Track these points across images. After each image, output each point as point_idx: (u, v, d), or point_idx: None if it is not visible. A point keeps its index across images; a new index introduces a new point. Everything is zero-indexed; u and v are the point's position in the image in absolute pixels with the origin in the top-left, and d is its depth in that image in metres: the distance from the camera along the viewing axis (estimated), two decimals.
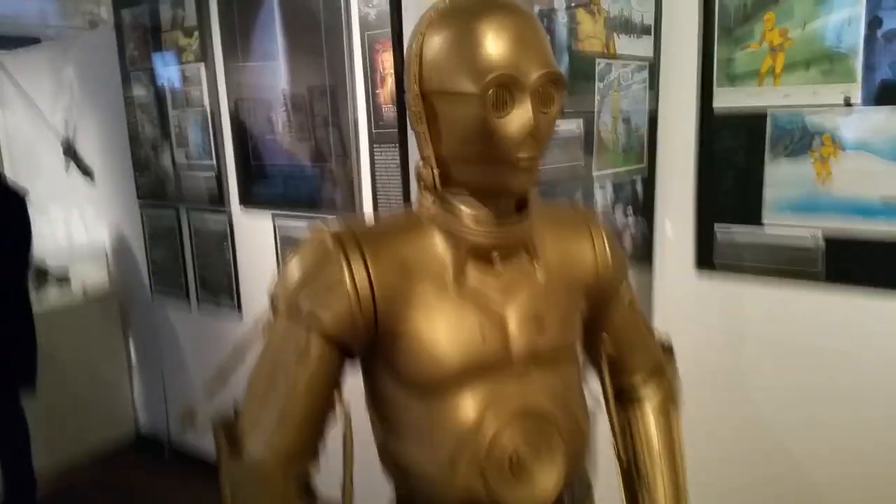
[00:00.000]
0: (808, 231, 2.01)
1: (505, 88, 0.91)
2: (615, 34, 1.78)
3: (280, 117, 2.88)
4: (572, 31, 1.62)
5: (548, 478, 1.03)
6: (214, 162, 3.25)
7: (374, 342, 1.00)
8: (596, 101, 1.75)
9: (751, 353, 2.14)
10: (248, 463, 0.95)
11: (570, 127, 1.69)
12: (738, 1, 2.02)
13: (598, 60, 1.73)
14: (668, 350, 1.36)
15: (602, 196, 1.85)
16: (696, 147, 2.15)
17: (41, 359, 3.08)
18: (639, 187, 2.02)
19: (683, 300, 2.24)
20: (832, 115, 1.95)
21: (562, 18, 1.59)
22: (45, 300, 3.71)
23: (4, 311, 2.99)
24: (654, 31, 1.98)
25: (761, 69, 2.03)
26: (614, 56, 1.80)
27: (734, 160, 2.11)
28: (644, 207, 2.07)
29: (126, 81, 3.51)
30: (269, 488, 0.95)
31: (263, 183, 3.03)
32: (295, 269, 1.00)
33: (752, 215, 2.09)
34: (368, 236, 1.00)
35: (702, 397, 2.24)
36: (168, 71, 3.29)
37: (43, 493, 3.22)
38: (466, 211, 1.00)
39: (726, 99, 2.10)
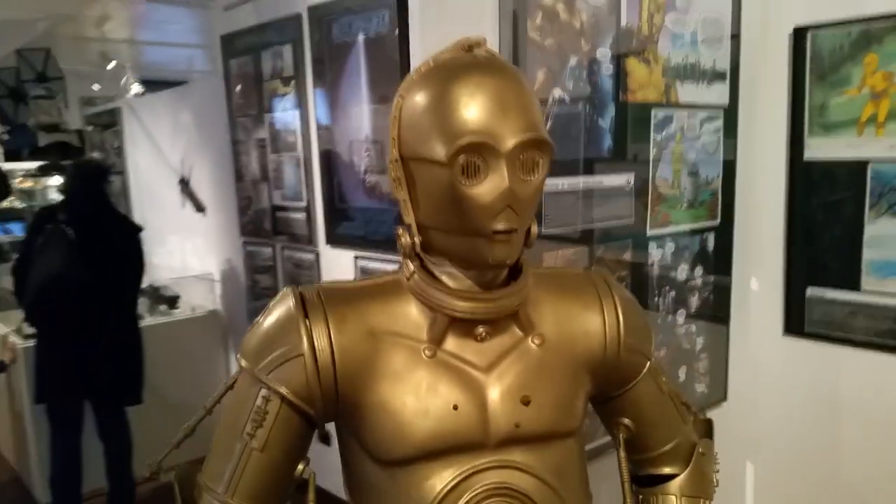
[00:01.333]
0: None
1: (478, 155, 0.84)
2: (678, 81, 1.65)
3: (363, 161, 2.94)
4: (621, 82, 1.51)
5: None
6: (305, 203, 3.37)
7: (338, 412, 0.96)
8: (652, 153, 1.62)
9: (842, 426, 1.89)
10: None
11: (617, 182, 1.57)
12: (834, 42, 1.83)
13: (654, 111, 1.60)
14: (705, 429, 1.20)
15: (660, 255, 1.71)
16: (785, 201, 1.96)
17: (150, 369, 3.31)
18: (710, 244, 1.85)
19: (768, 365, 2.02)
20: None
21: (606, 70, 1.49)
22: (157, 317, 3.98)
23: (116, 329, 3.23)
24: (731, 77, 1.82)
25: (861, 117, 1.82)
26: (676, 105, 1.67)
27: (830, 217, 1.90)
28: (717, 265, 1.89)
29: (233, 126, 3.73)
30: None
31: (347, 224, 3.09)
32: (259, 330, 0.98)
33: (850, 279, 1.86)
34: (337, 300, 0.96)
35: (784, 470, 2.01)
36: (268, 117, 3.47)
37: (142, 497, 3.41)
38: (448, 282, 0.94)
39: (820, 150, 1.89)
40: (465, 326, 0.94)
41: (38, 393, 3.13)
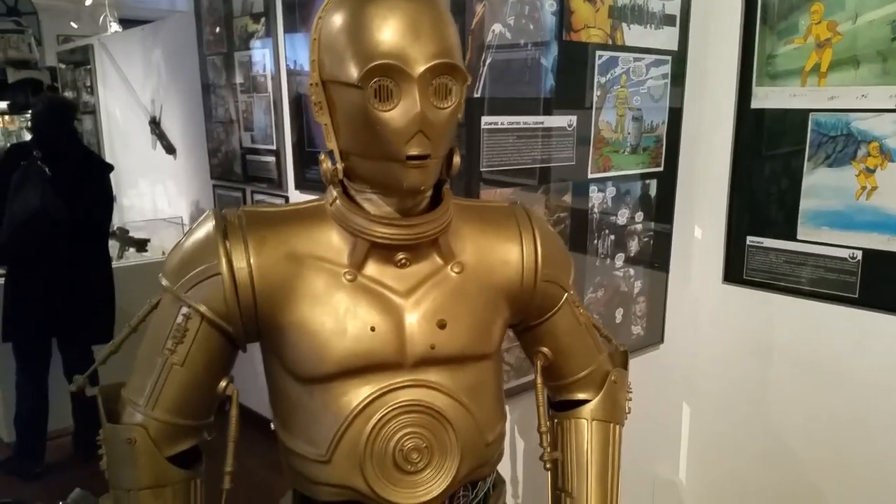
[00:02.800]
0: (845, 250, 1.81)
1: (389, 79, 0.86)
2: (624, 24, 1.65)
3: None
4: (565, 20, 1.51)
5: (435, 478, 0.98)
6: (275, 146, 3.36)
7: (260, 332, 0.99)
8: (595, 97, 1.64)
9: (775, 371, 1.97)
10: (122, 429, 0.98)
11: (559, 123, 1.59)
12: None
13: (598, 52, 1.61)
14: (622, 360, 1.26)
15: (600, 199, 1.74)
16: (731, 150, 1.99)
17: (118, 311, 3.33)
18: (653, 190, 1.89)
19: (705, 311, 2.08)
20: (882, 122, 1.74)
21: (549, 5, 1.49)
22: (126, 260, 4.00)
23: (87, 267, 3.25)
24: (681, 22, 1.83)
25: (805, 67, 1.85)
26: (623, 47, 1.68)
27: (772, 166, 1.94)
28: (659, 211, 1.93)
29: (203, 65, 3.68)
30: (139, 453, 0.97)
31: (315, 169, 3.09)
32: (179, 250, 1.01)
33: (787, 228, 1.91)
34: (258, 223, 0.99)
35: (720, 411, 2.10)
36: (238, 56, 3.43)
37: None
38: (369, 208, 0.96)
39: (767, 99, 1.92)
40: (385, 253, 0.98)
41: (4, 331, 3.15)
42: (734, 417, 2.08)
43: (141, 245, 4.10)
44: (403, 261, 0.99)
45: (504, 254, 1.07)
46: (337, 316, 0.96)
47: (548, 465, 1.18)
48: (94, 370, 1.12)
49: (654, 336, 2.01)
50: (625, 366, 1.27)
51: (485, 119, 1.46)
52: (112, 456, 1.00)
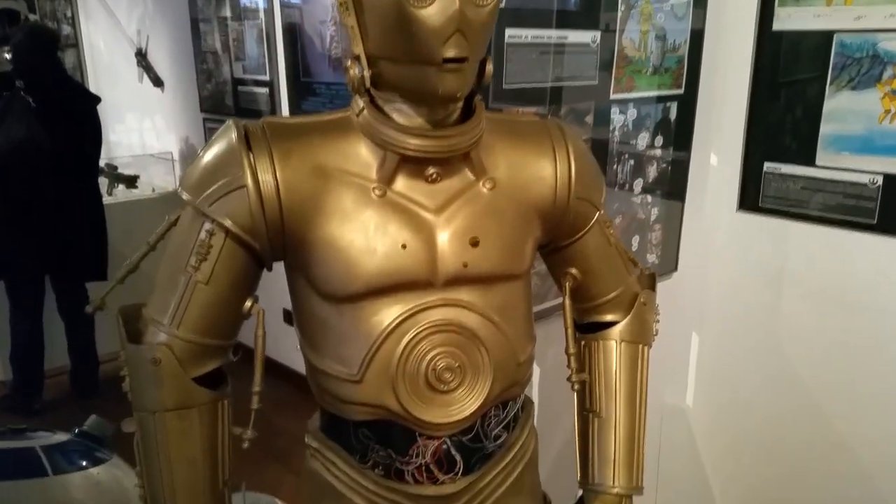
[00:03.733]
0: (865, 175, 1.78)
1: None
2: None
3: (329, 31, 2.82)
4: None
5: (468, 397, 0.96)
6: (268, 77, 3.25)
7: (286, 249, 0.95)
8: (619, 13, 1.57)
9: (788, 299, 1.96)
10: (146, 349, 0.94)
11: (583, 39, 1.52)
12: None
13: None
14: (649, 282, 1.24)
15: (622, 121, 1.68)
16: (750, 72, 1.93)
17: (110, 249, 3.27)
18: (672, 114, 1.84)
19: (720, 239, 2.06)
20: None
21: None
22: (116, 197, 3.91)
23: (77, 203, 3.17)
24: None
25: None
26: None
27: (793, 90, 1.89)
28: (678, 136, 1.88)
29: None
30: (164, 374, 0.94)
31: (312, 100, 3.01)
32: (200, 163, 0.95)
33: (806, 154, 1.87)
34: (282, 134, 0.93)
35: (729, 339, 2.10)
36: None
37: (106, 376, 3.43)
38: (399, 119, 0.91)
39: (789, 20, 1.86)
40: (415, 167, 0.93)
41: None
42: (744, 345, 2.08)
43: (131, 182, 4.00)
44: (434, 175, 0.94)
45: (537, 170, 1.03)
46: (367, 233, 0.92)
47: (576, 387, 1.17)
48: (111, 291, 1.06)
49: (669, 264, 2.00)
50: (652, 288, 1.24)
51: (508, 31, 1.39)
52: (135, 377, 0.96)
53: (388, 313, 0.94)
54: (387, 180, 0.93)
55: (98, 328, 3.29)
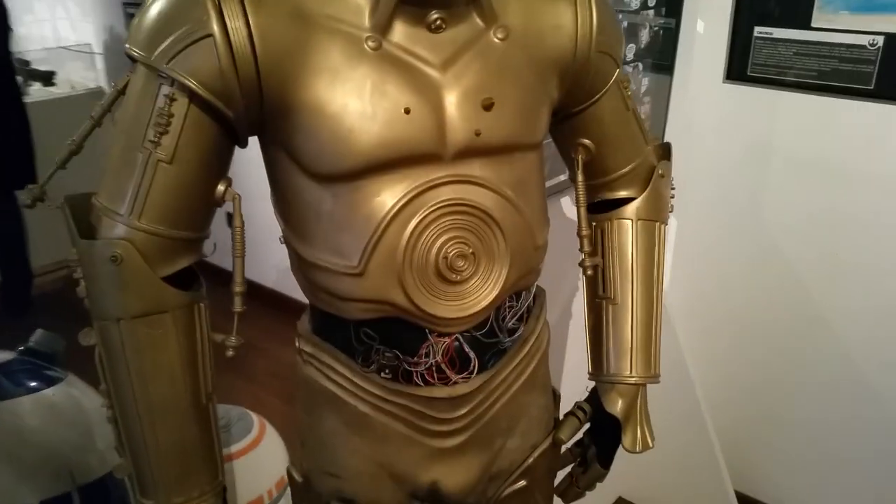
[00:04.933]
0: (865, 36, 1.67)
1: None
2: None
3: None
4: None
5: (482, 287, 0.85)
6: None
7: (264, 118, 0.79)
8: None
9: (776, 172, 1.88)
10: (102, 245, 0.78)
11: None
12: None
13: None
14: (664, 152, 1.12)
15: None
16: None
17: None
18: None
19: (705, 112, 1.95)
20: None
21: None
22: (32, 95, 3.53)
23: None
24: None
25: None
26: None
27: None
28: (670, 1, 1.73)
29: None
30: (127, 274, 0.78)
31: None
32: (152, 10, 0.76)
33: (801, 15, 1.74)
34: None
35: (711, 217, 2.04)
36: None
37: (39, 291, 3.26)
38: None
39: None
40: (415, 11, 0.77)
41: None
42: (726, 225, 2.03)
43: (46, 78, 3.62)
44: (438, 22, 0.78)
45: (555, 17, 0.88)
46: (362, 95, 0.76)
47: (588, 272, 1.06)
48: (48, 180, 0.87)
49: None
50: (668, 158, 1.12)
51: None
52: (92, 280, 0.80)
53: (391, 193, 0.79)
54: (382, 28, 0.77)
55: (32, 239, 3.05)
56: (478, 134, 0.80)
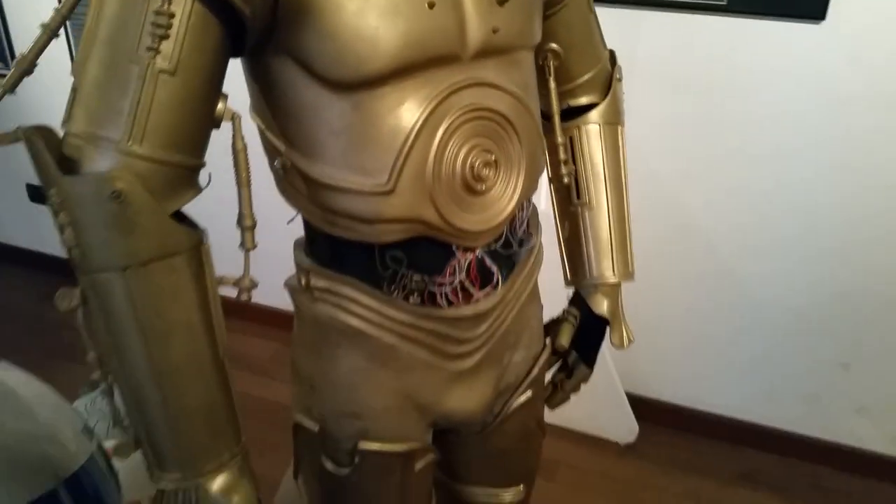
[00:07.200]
0: None
1: None
2: None
3: None
4: None
5: (503, 196, 0.82)
6: None
7: (275, 18, 0.69)
8: None
9: (643, 87, 2.01)
10: (98, 180, 0.63)
11: None
12: None
13: None
14: (612, 58, 1.15)
15: None
16: None
17: None
18: None
19: None
20: None
21: None
22: None
23: None
24: None
25: None
26: None
27: None
28: None
29: None
30: (134, 212, 0.64)
31: None
32: None
33: None
34: None
35: None
36: None
37: None
38: None
39: None
40: None
41: None
42: None
43: None
44: None
45: None
46: None
47: (565, 179, 1.08)
48: None
49: None
50: (615, 64, 1.16)
51: None
52: (83, 226, 0.65)
53: (416, 101, 0.74)
54: None
55: None
56: (495, 31, 0.77)
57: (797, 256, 2.05)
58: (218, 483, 0.76)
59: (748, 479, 2.20)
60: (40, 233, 3.20)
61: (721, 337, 2.24)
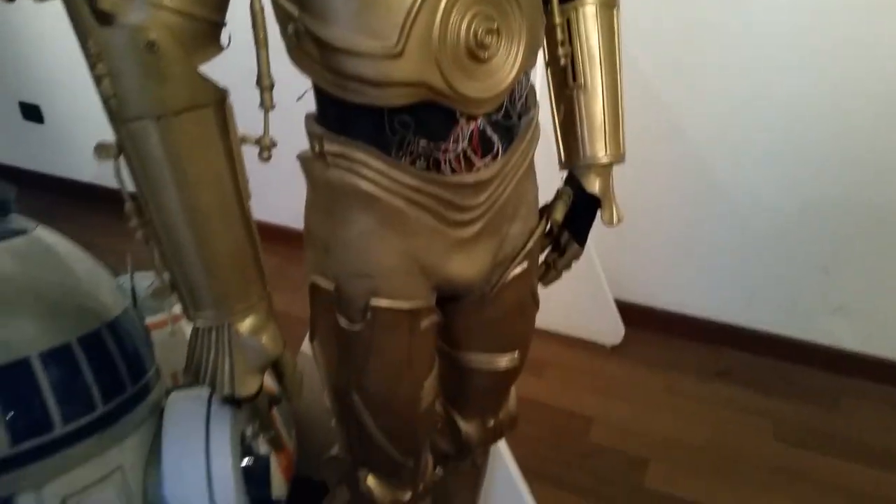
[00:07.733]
0: None
1: None
2: None
3: None
4: None
5: (505, 65, 0.87)
6: None
7: None
8: None
9: None
10: (134, 31, 0.68)
11: None
12: None
13: None
14: None
15: None
16: None
17: None
18: None
19: None
20: None
21: None
22: None
23: None
24: None
25: None
26: None
27: None
28: None
29: None
30: (166, 62, 0.70)
31: None
32: None
33: None
34: None
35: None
36: None
37: None
38: None
39: None
40: None
41: None
42: None
43: None
44: None
45: None
46: None
47: (563, 61, 1.12)
48: None
49: None
50: None
51: None
52: (121, 74, 0.70)
53: None
54: None
55: None
56: None
57: (780, 165, 2.13)
58: (247, 324, 0.84)
59: (724, 376, 2.34)
60: (31, 151, 3.21)
61: (704, 243, 2.33)
